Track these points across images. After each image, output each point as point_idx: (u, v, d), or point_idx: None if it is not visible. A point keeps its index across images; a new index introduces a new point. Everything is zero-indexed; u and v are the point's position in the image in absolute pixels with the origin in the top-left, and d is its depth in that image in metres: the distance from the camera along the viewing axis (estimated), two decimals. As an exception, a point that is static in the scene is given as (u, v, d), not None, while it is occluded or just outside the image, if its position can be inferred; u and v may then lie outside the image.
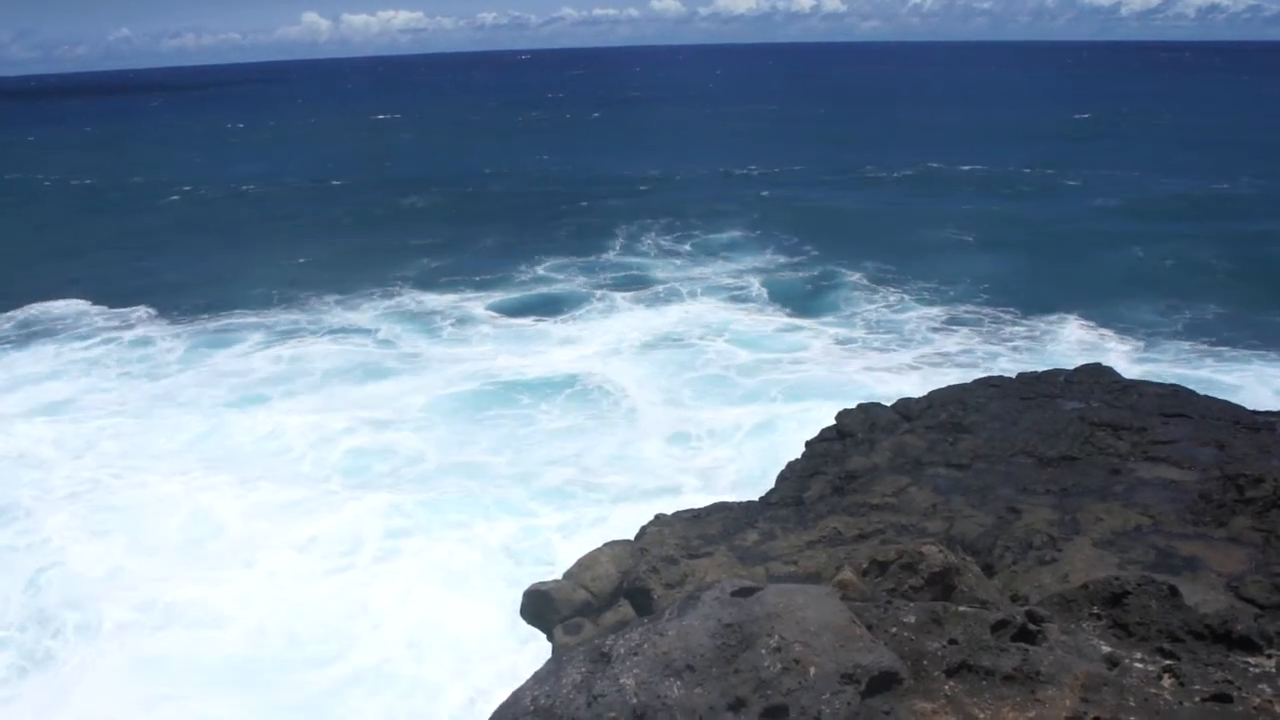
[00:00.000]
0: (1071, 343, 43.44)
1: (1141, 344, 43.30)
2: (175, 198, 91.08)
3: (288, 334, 47.65)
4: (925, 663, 6.69)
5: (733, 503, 18.06)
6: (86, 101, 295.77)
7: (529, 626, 15.95)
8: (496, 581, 24.18)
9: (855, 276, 55.13)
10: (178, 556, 26.69)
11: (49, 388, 40.81)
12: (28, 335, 48.76)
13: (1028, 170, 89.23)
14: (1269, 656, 7.00)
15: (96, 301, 54.02)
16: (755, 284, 55.03)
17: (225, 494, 30.03)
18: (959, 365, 40.29)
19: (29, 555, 26.96)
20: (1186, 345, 42.81)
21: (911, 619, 7.15)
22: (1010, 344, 43.79)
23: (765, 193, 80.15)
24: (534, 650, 17.47)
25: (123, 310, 52.29)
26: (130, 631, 23.59)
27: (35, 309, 53.07)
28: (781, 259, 60.19)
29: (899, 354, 42.61)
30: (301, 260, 62.55)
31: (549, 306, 52.33)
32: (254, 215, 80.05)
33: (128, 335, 48.05)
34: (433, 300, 53.40)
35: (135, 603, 24.47)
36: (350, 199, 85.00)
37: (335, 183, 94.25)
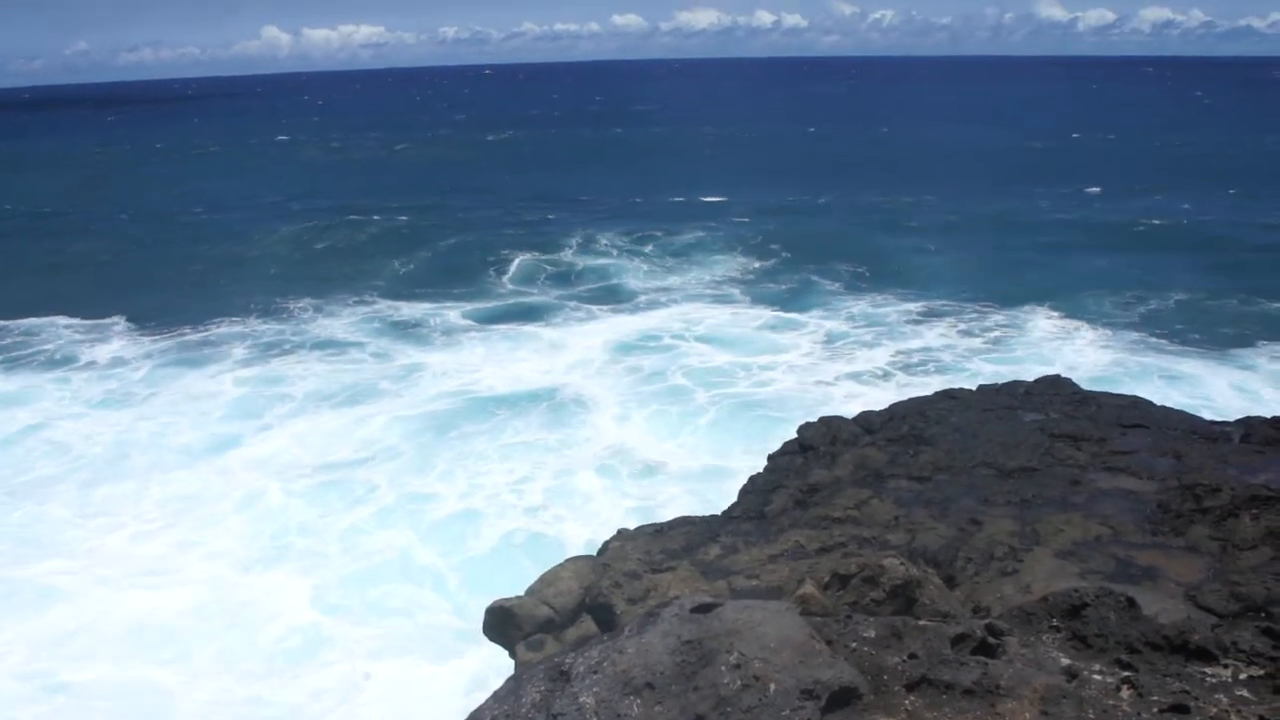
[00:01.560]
0: (1046, 331, 45.67)
1: (1108, 333, 45.38)
2: (133, 214, 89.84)
3: (270, 345, 47.33)
4: (885, 677, 6.68)
5: (695, 517, 18.00)
6: (44, 115, 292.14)
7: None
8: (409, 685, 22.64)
9: (833, 285, 55.78)
10: (86, 633, 24.07)
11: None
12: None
13: (988, 190, 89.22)
14: (1225, 666, 7.04)
15: (71, 316, 53.28)
16: (735, 293, 55.64)
17: (150, 562, 27.34)
18: (940, 368, 41.52)
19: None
20: (1138, 336, 45.01)
21: (871, 633, 7.14)
22: (989, 334, 45.72)
23: (737, 219, 78.35)
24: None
25: (98, 323, 51.61)
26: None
27: (6, 324, 52.30)
28: (753, 272, 60.23)
29: (879, 350, 43.34)
30: (273, 272, 62.45)
31: (527, 315, 52.69)
32: (219, 232, 78.71)
33: (100, 352, 46.97)
34: (409, 310, 53.61)
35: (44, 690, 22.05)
36: (319, 215, 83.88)
37: (297, 204, 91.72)
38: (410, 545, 28.43)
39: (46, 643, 23.58)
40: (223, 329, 50.16)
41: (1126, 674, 6.80)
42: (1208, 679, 6.87)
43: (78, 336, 49.70)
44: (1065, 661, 7.03)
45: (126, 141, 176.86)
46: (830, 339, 45.85)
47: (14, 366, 45.57)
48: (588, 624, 14.91)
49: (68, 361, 46.14)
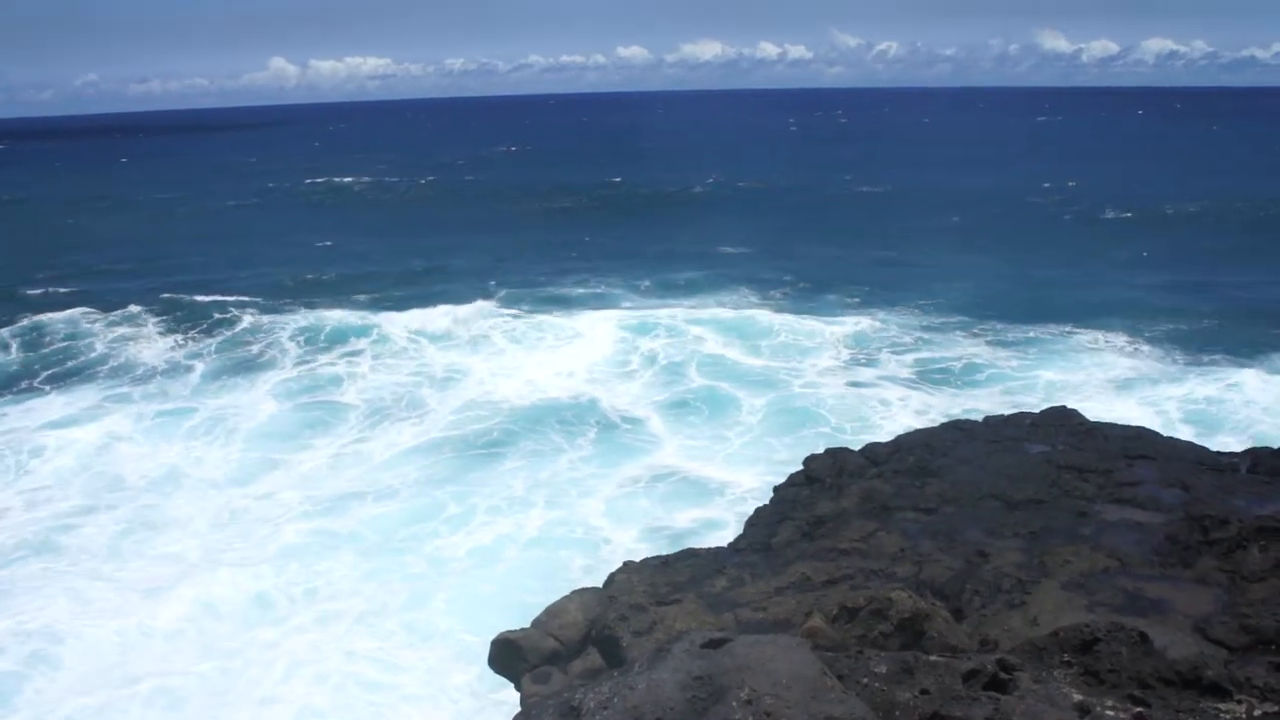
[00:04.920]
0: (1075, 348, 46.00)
1: (1131, 348, 45.84)
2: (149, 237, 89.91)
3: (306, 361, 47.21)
4: (897, 713, 6.64)
5: (701, 549, 17.94)
6: (59, 144, 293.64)
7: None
8: None
9: (855, 309, 55.29)
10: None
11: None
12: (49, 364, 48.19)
13: (1013, 222, 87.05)
14: (1239, 702, 7.00)
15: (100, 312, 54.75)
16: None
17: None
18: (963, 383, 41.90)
19: None
20: (1160, 354, 45.09)
21: (883, 669, 7.11)
22: (1016, 348, 46.02)
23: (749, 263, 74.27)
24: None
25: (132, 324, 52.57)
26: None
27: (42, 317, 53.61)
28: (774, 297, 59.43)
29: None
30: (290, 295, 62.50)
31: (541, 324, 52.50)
32: (240, 252, 78.55)
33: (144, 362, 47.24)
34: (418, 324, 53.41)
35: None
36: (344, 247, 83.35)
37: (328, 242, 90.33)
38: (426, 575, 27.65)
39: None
40: (259, 345, 50.31)
41: (1139, 710, 6.76)
42: (1221, 715, 6.83)
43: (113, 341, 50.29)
44: (1077, 697, 7.00)
45: (139, 171, 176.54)
46: (860, 347, 46.27)
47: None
48: (593, 656, 14.85)
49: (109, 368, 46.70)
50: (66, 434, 38.54)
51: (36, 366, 47.86)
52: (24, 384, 45.93)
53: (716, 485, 32.67)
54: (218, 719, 21.94)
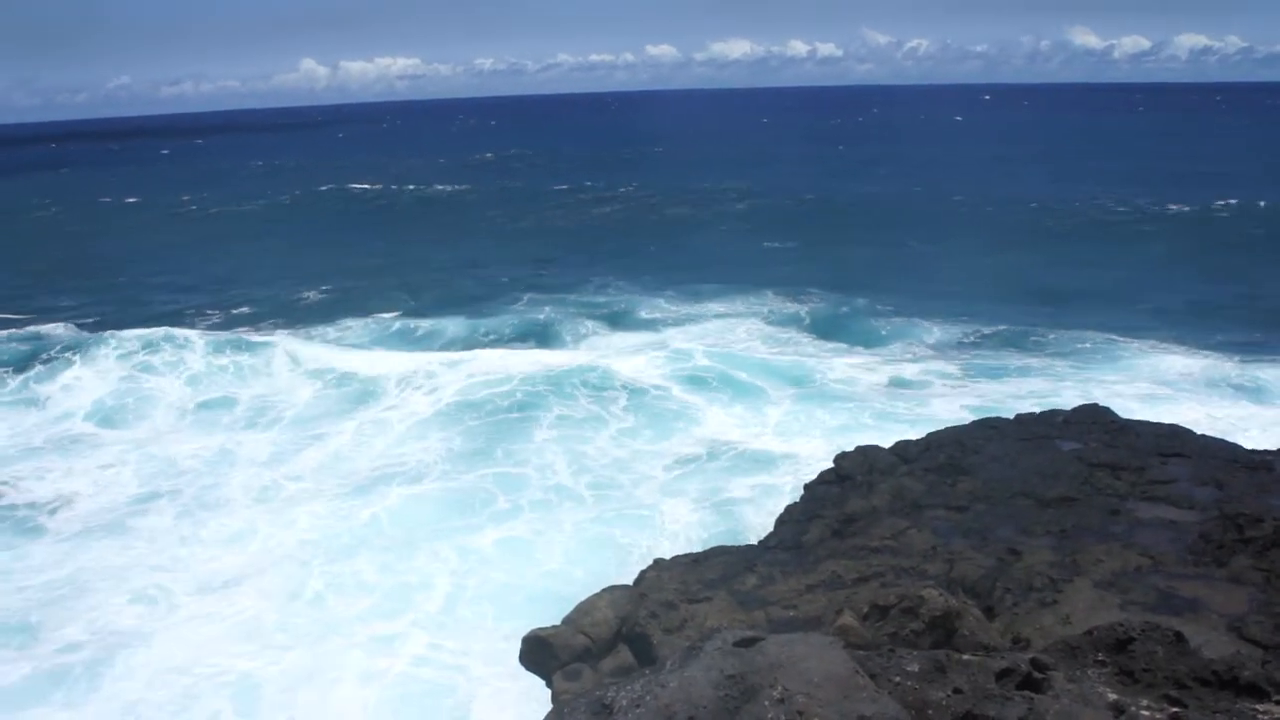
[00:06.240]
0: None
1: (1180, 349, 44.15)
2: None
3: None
4: (930, 712, 6.62)
5: (732, 547, 17.93)
6: (92, 145, 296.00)
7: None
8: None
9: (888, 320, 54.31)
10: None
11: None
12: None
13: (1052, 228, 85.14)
14: (1277, 703, 6.94)
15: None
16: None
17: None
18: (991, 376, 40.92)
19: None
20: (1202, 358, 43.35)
21: (915, 668, 7.09)
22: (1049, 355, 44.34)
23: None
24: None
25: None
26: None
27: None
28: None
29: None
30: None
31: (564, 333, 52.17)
32: (271, 260, 78.78)
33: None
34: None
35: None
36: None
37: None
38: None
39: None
40: (279, 334, 50.42)
41: (1175, 710, 6.71)
42: (1259, 716, 6.77)
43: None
44: (1112, 697, 6.95)
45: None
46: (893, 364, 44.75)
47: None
48: (624, 654, 14.89)
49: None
50: (116, 422, 39.47)
51: (72, 360, 48.31)
52: (64, 372, 46.38)
53: (783, 458, 31.70)
54: (288, 704, 22.16)
